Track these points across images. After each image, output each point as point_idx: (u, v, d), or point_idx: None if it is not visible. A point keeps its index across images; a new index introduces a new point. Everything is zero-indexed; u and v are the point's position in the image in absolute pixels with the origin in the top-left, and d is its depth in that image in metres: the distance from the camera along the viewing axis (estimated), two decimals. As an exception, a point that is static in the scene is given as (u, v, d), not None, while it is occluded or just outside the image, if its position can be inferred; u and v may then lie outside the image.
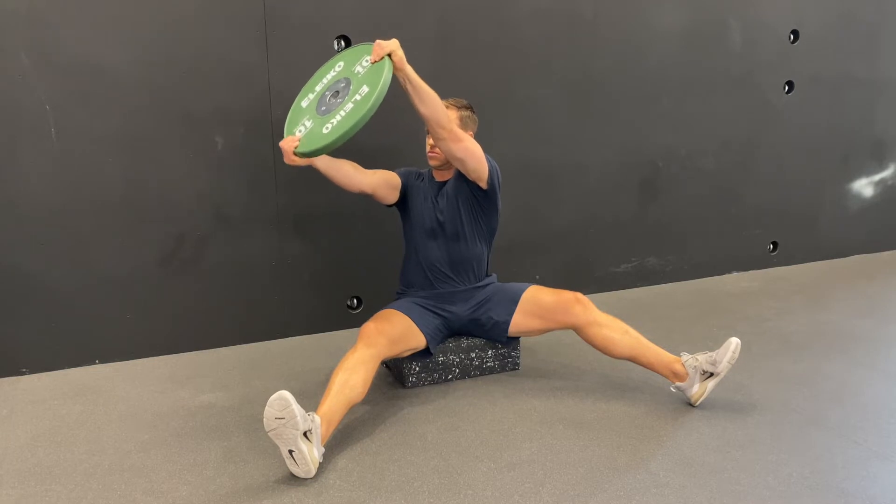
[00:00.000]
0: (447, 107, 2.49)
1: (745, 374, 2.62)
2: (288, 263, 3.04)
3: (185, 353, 2.94)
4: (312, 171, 2.99)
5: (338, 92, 2.27)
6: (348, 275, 3.13)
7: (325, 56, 2.94)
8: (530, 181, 3.41)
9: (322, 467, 2.00)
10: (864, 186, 4.31)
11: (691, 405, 2.38)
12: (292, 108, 2.42)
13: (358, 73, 2.23)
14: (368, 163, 3.03)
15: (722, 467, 2.01)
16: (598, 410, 2.37)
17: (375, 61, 2.17)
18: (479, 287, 2.60)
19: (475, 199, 2.50)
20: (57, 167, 2.66)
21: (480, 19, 3.18)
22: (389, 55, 2.16)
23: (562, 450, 2.12)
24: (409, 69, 2.19)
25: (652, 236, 3.77)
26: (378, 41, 2.17)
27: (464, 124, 2.51)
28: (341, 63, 2.36)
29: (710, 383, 2.34)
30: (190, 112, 2.79)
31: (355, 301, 3.21)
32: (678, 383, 2.38)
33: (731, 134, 3.84)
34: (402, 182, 2.62)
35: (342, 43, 2.97)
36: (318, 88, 2.38)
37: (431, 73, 3.10)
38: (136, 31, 2.67)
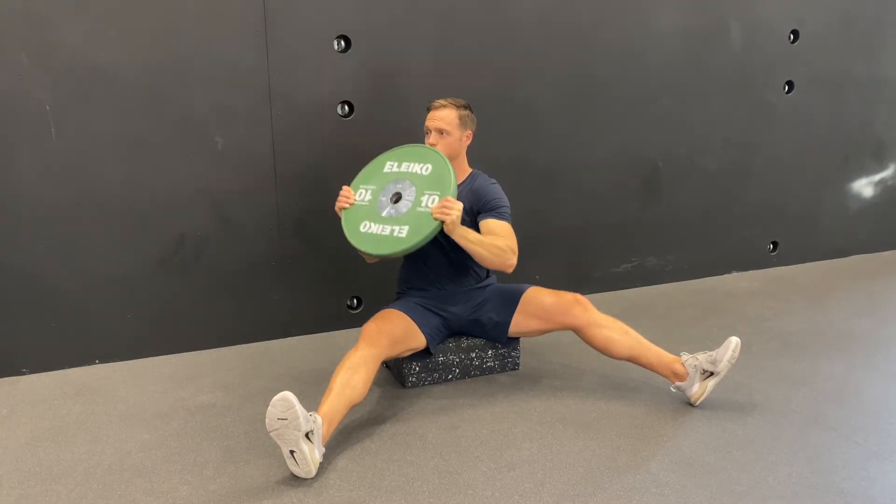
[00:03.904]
0: (429, 108, 2.51)
1: (745, 373, 2.62)
2: (288, 263, 3.04)
3: (185, 353, 2.94)
4: (312, 173, 3.01)
5: (400, 197, 2.42)
6: (348, 275, 3.13)
7: (325, 56, 2.94)
8: (530, 181, 3.41)
9: (322, 467, 2.00)
10: (864, 186, 4.30)
11: (691, 405, 2.38)
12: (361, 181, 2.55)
13: (423, 202, 2.37)
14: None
15: (722, 467, 2.01)
16: (598, 410, 2.37)
17: (436, 217, 2.29)
18: (479, 288, 2.60)
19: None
20: (57, 167, 2.66)
21: (480, 19, 3.18)
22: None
23: (562, 450, 2.12)
24: (458, 233, 2.30)
25: (652, 236, 3.76)
26: (446, 204, 2.27)
27: (463, 123, 2.51)
28: (395, 163, 2.52)
29: (711, 383, 2.34)
30: (190, 112, 2.79)
31: (355, 301, 3.21)
32: (678, 383, 2.38)
33: (731, 134, 3.84)
34: None
35: (342, 43, 2.97)
36: (372, 186, 2.51)
37: (431, 73, 3.11)
38: (136, 31, 2.67)
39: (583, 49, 3.41)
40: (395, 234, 2.35)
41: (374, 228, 2.39)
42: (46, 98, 2.60)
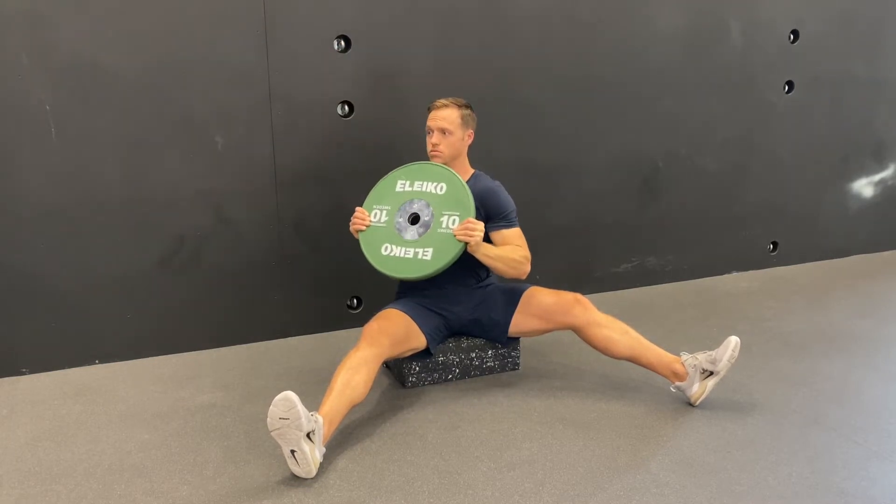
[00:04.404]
0: (433, 108, 2.51)
1: (745, 373, 2.62)
2: (288, 263, 3.04)
3: (185, 353, 2.94)
4: (312, 173, 3.01)
5: (417, 218, 2.44)
6: (348, 275, 3.13)
7: (325, 56, 2.94)
8: (530, 181, 3.41)
9: (322, 467, 2.00)
10: (864, 186, 4.31)
11: (691, 405, 2.38)
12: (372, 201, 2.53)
13: (443, 223, 2.40)
14: (369, 160, 3.04)
15: (722, 467, 2.01)
16: (598, 410, 2.37)
17: (460, 239, 2.34)
18: (479, 287, 2.60)
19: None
20: (57, 167, 2.66)
21: (480, 19, 3.18)
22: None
23: (562, 450, 2.12)
24: (481, 252, 2.37)
25: (652, 236, 3.76)
26: (469, 226, 2.32)
27: (465, 123, 2.52)
28: (407, 182, 2.49)
29: (710, 382, 2.34)
30: (190, 112, 2.79)
31: (355, 301, 3.21)
32: (678, 383, 2.38)
33: (731, 134, 3.84)
34: None
35: (342, 43, 2.97)
36: (386, 206, 2.49)
37: (431, 73, 3.11)
38: (136, 31, 2.67)
39: (583, 49, 3.41)
40: (420, 256, 2.37)
41: (397, 251, 2.40)
42: (46, 98, 2.60)
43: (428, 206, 2.43)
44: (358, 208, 2.49)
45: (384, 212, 2.48)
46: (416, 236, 2.40)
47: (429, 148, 2.52)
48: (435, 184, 2.45)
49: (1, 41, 2.52)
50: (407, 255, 2.39)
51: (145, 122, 2.74)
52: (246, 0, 2.79)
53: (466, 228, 2.33)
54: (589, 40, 3.41)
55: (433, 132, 2.50)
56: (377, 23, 2.99)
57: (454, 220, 2.38)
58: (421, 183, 2.47)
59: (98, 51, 2.64)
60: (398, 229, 2.43)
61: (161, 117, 2.76)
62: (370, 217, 2.49)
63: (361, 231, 2.47)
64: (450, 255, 2.35)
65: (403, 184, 2.49)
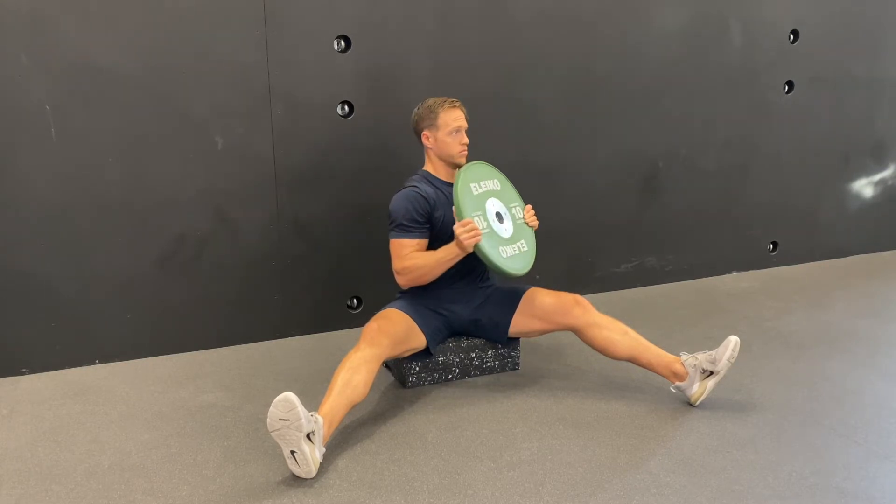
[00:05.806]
0: (454, 106, 2.50)
1: (745, 373, 2.62)
2: (288, 263, 3.04)
3: (185, 353, 2.94)
4: (312, 173, 3.01)
5: (500, 215, 2.49)
6: (348, 275, 3.13)
7: (325, 56, 2.94)
8: (530, 181, 3.40)
9: (322, 467, 2.00)
10: (864, 186, 4.30)
11: (691, 405, 2.38)
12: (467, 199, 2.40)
13: (516, 215, 2.55)
14: (369, 160, 3.04)
15: (722, 467, 2.01)
16: (598, 410, 2.37)
17: (530, 225, 2.56)
18: (480, 288, 2.60)
19: None
20: (57, 167, 2.66)
21: (480, 19, 3.18)
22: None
23: (562, 450, 2.12)
24: None
25: (652, 236, 3.76)
26: (533, 212, 2.57)
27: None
28: (476, 185, 2.46)
29: (710, 382, 2.34)
30: (190, 112, 2.79)
31: (355, 301, 3.21)
32: (678, 383, 2.38)
33: (731, 134, 3.84)
34: (429, 211, 2.48)
35: (342, 43, 2.97)
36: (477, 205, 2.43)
37: (431, 72, 3.11)
38: (136, 31, 2.67)
39: (583, 48, 3.41)
40: (521, 249, 2.47)
41: (509, 251, 2.44)
42: (46, 98, 2.60)
43: (498, 201, 2.50)
44: (467, 220, 2.31)
45: (480, 217, 2.40)
46: (508, 232, 2.47)
47: (457, 149, 2.49)
48: (491, 181, 2.52)
49: (1, 41, 2.52)
50: (516, 252, 2.45)
51: (145, 123, 2.74)
52: (246, 0, 2.79)
53: (533, 214, 2.56)
54: (589, 40, 3.41)
55: (460, 131, 2.50)
56: (377, 23, 2.99)
57: (519, 210, 2.55)
58: (484, 182, 2.49)
59: (98, 51, 2.64)
60: (498, 231, 2.44)
61: (161, 117, 2.76)
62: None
63: (479, 243, 2.33)
64: (534, 241, 2.52)
65: (475, 187, 2.46)
